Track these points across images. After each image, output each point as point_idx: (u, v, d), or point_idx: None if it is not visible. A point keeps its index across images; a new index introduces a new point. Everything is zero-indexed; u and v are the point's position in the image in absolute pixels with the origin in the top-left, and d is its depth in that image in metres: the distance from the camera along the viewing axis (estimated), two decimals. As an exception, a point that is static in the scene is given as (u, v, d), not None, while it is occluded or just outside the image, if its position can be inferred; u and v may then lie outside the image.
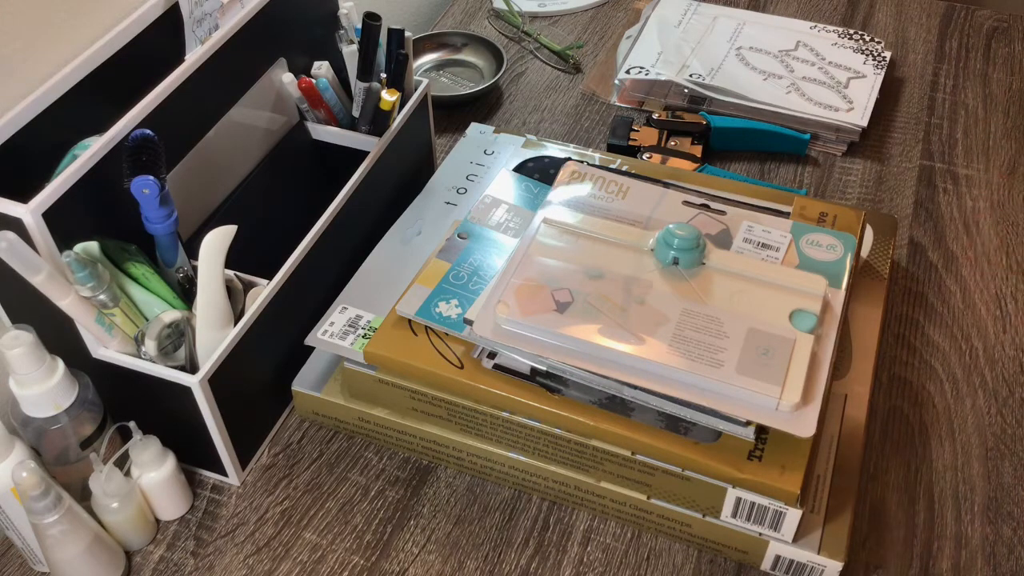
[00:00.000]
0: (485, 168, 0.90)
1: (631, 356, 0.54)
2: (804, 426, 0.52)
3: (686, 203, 0.58)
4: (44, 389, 0.62)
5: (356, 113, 0.87)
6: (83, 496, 0.67)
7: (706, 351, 0.54)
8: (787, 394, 0.52)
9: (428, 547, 0.70)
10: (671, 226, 0.58)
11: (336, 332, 0.73)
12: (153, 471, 0.69)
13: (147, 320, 0.67)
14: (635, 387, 0.60)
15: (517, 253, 0.57)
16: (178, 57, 0.71)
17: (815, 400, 0.53)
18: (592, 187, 0.58)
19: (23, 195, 0.59)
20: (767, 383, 0.52)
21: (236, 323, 0.69)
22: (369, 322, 0.74)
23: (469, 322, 0.68)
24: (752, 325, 0.56)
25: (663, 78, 1.06)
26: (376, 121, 0.85)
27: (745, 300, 0.57)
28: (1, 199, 0.59)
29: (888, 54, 1.09)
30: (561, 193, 0.59)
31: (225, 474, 0.74)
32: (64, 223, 0.61)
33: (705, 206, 0.58)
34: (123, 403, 0.68)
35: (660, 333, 0.55)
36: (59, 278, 0.60)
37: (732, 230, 0.59)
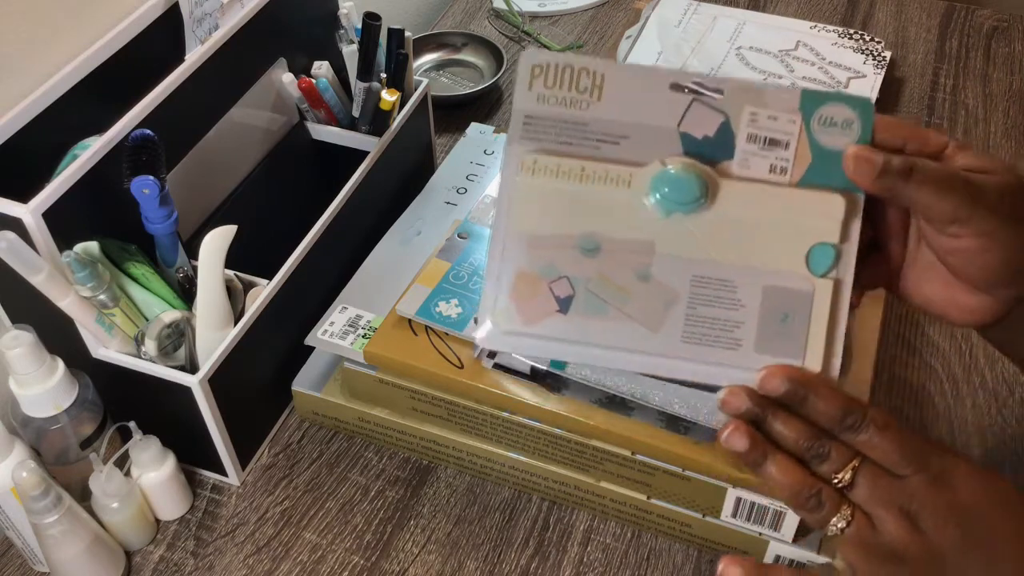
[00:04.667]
0: (485, 168, 0.90)
1: (644, 355, 0.51)
2: None
3: (674, 87, 0.50)
4: (44, 389, 0.62)
5: (356, 113, 0.87)
6: (83, 496, 0.67)
7: (722, 330, 0.50)
8: (808, 366, 0.50)
9: (428, 547, 0.70)
10: (669, 169, 0.50)
11: (336, 332, 0.73)
12: (153, 471, 0.69)
13: (147, 320, 0.67)
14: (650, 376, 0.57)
15: (498, 233, 0.51)
16: (178, 57, 0.71)
17: (835, 361, 0.50)
18: (561, 89, 0.50)
19: (23, 195, 0.59)
20: (787, 357, 0.50)
21: (236, 323, 0.69)
22: (369, 322, 0.74)
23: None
24: (767, 281, 0.51)
25: (663, 78, 1.06)
26: (376, 121, 0.85)
27: (757, 245, 0.51)
28: (1, 199, 0.59)
29: (888, 54, 1.09)
30: (528, 106, 0.50)
31: (225, 474, 0.74)
32: (64, 223, 0.61)
33: (697, 92, 0.50)
34: (123, 403, 0.68)
35: (672, 317, 0.50)
36: (59, 278, 0.60)
37: (733, 121, 0.51)
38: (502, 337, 0.50)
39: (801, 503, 0.45)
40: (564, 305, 0.50)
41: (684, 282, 0.51)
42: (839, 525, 0.44)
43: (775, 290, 0.51)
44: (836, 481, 0.44)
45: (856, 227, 0.50)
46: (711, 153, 0.51)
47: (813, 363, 0.50)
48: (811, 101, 0.51)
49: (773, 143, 0.51)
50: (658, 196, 0.50)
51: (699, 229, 0.51)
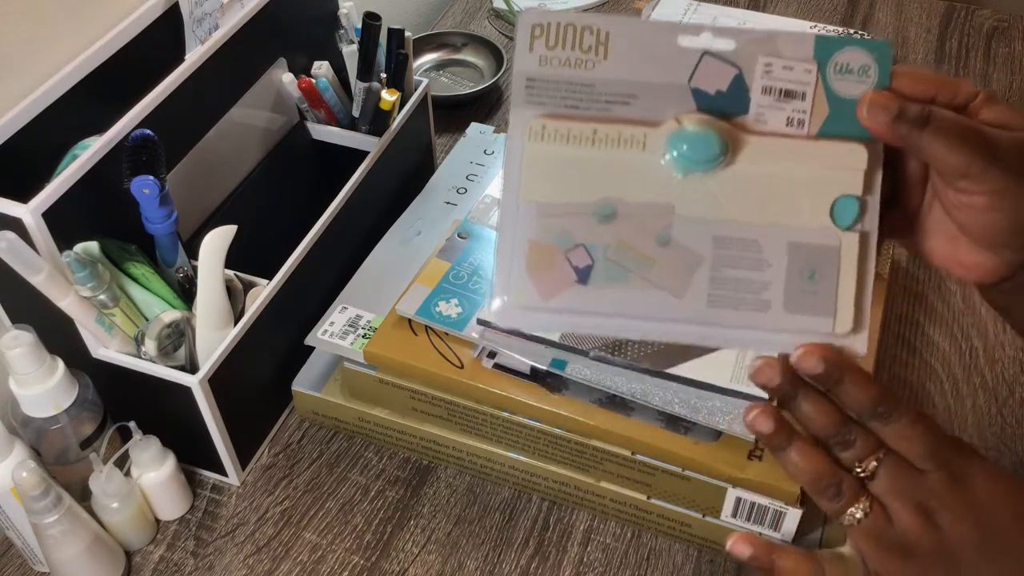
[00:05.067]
0: (485, 168, 0.90)
1: (671, 322, 0.48)
2: (855, 349, 0.49)
3: (684, 40, 0.47)
4: (44, 389, 0.62)
5: (356, 113, 0.87)
6: (83, 496, 0.67)
7: (749, 292, 0.48)
8: (840, 323, 0.48)
9: (428, 547, 0.70)
10: (685, 127, 0.48)
11: (336, 332, 0.73)
12: (153, 471, 0.69)
13: (147, 320, 0.67)
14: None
15: (508, 203, 0.48)
16: (178, 57, 0.71)
17: (866, 318, 0.49)
18: (564, 49, 0.47)
19: (23, 195, 0.59)
20: (818, 316, 0.48)
21: (236, 323, 0.69)
22: (369, 322, 0.74)
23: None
24: (791, 237, 0.49)
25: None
26: (376, 121, 0.85)
27: (780, 201, 0.49)
28: (1, 199, 0.59)
29: (888, 54, 1.09)
30: (529, 68, 0.47)
31: (225, 474, 0.74)
32: (64, 223, 0.61)
33: (707, 52, 0.48)
34: (123, 403, 0.68)
35: (696, 281, 0.48)
36: (59, 278, 0.60)
37: (747, 74, 0.48)
38: (518, 313, 0.48)
39: (821, 491, 0.44)
40: (583, 275, 0.48)
41: (706, 244, 0.49)
42: (857, 516, 0.44)
43: (800, 247, 0.49)
44: (859, 471, 0.44)
45: (879, 177, 0.48)
46: (725, 108, 0.49)
47: (844, 319, 0.49)
48: (826, 48, 0.49)
49: (789, 95, 0.49)
50: (675, 155, 0.48)
51: (719, 188, 0.49)
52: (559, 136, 0.48)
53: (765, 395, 0.51)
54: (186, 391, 0.66)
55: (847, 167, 0.49)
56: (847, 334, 0.49)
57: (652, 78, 0.48)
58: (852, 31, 1.12)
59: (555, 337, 0.66)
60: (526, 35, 0.48)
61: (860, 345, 0.49)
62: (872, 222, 0.49)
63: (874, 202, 0.48)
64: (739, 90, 0.49)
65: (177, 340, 0.68)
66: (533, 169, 0.48)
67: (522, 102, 0.48)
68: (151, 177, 0.63)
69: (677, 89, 0.48)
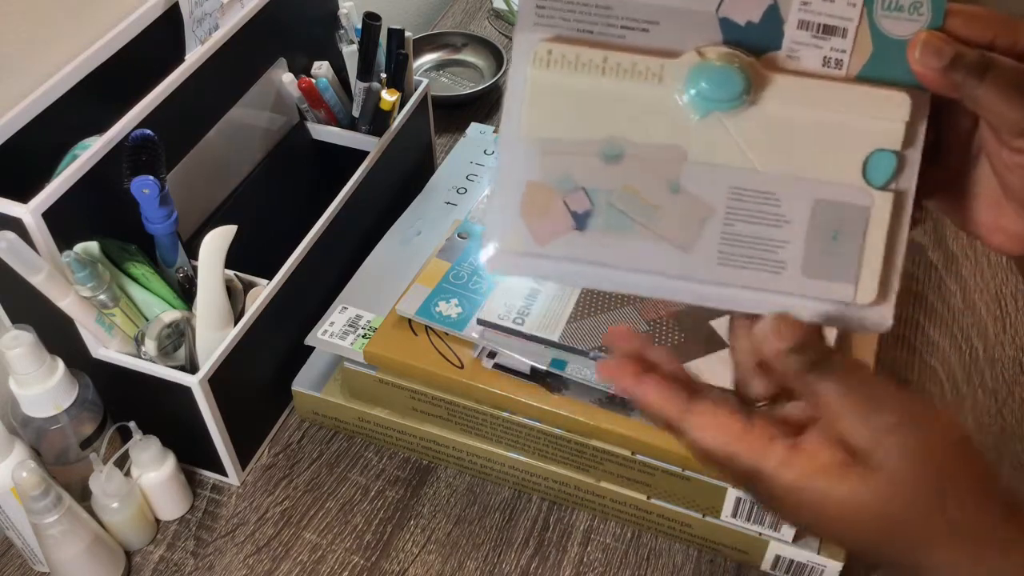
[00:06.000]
0: (485, 168, 0.90)
1: (674, 279, 0.44)
2: (878, 321, 0.44)
3: None
4: (44, 389, 0.62)
5: (356, 113, 0.87)
6: (83, 496, 0.67)
7: (763, 250, 0.44)
8: (862, 292, 0.44)
9: (428, 547, 0.70)
10: (707, 61, 0.43)
11: (336, 332, 0.73)
12: (153, 471, 0.69)
13: (147, 320, 0.67)
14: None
15: (507, 137, 0.44)
16: (178, 57, 0.71)
17: (893, 287, 0.44)
18: None
19: (23, 195, 0.59)
20: (838, 282, 0.44)
21: (236, 323, 0.69)
22: (369, 322, 0.74)
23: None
24: (816, 193, 0.44)
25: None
26: (376, 121, 0.85)
27: (807, 151, 0.44)
28: (1, 199, 0.59)
29: (888, 54, 1.09)
30: None
31: (225, 474, 0.74)
32: (64, 223, 0.61)
33: None
34: (123, 403, 0.68)
35: (707, 235, 0.44)
36: (59, 278, 0.60)
37: (783, 5, 0.43)
38: (510, 259, 0.44)
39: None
40: (581, 221, 0.44)
41: (720, 195, 0.44)
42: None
43: (826, 204, 0.44)
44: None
45: (922, 131, 0.43)
46: (755, 42, 0.44)
47: (867, 287, 0.44)
48: None
49: (828, 30, 0.44)
50: (693, 92, 0.43)
51: (739, 132, 0.44)
52: (566, 63, 0.43)
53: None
54: (186, 391, 0.66)
55: (887, 117, 0.44)
56: (869, 304, 0.44)
57: (676, 2, 0.44)
58: None
59: (555, 337, 0.66)
60: None
61: (884, 317, 0.44)
62: (909, 181, 0.44)
63: (914, 159, 0.43)
64: (773, 22, 0.44)
65: (177, 340, 0.68)
66: (536, 100, 0.44)
67: (530, 24, 0.43)
68: (151, 177, 0.63)
69: (703, 17, 0.43)
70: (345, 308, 0.75)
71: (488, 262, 0.44)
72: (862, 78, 0.43)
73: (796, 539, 0.65)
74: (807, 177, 0.44)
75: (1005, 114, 0.39)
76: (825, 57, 0.44)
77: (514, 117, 0.44)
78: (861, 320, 0.44)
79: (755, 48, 0.43)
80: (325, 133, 0.89)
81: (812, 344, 0.40)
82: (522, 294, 0.69)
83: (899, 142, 0.43)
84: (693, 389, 0.42)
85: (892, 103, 0.43)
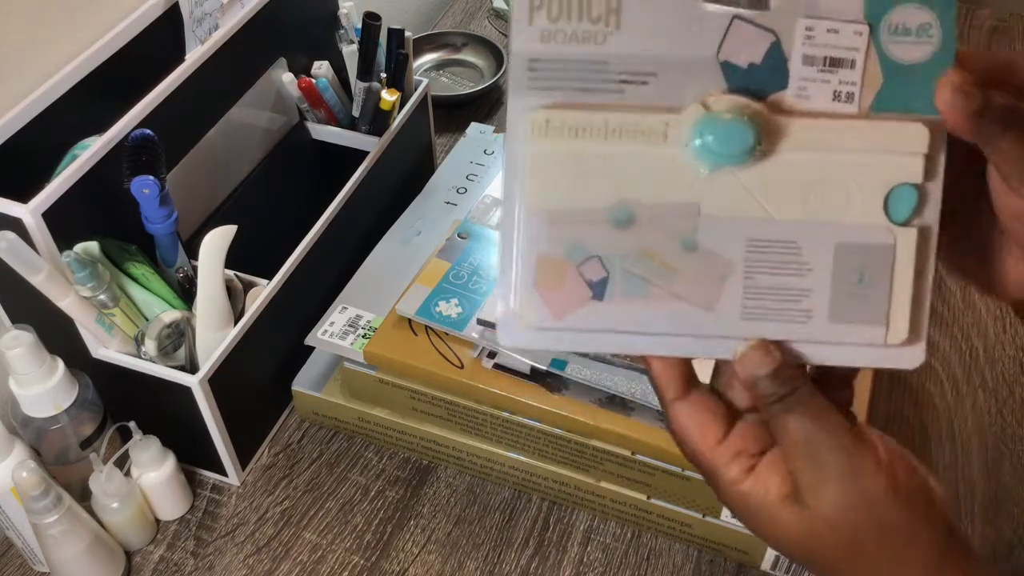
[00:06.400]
0: (485, 168, 0.90)
1: (700, 338, 0.43)
2: (911, 360, 0.44)
3: (709, 2, 0.41)
4: (44, 389, 0.62)
5: (356, 113, 0.87)
6: (83, 496, 0.67)
7: (788, 301, 0.43)
8: (893, 332, 0.43)
9: (428, 547, 0.70)
10: (713, 113, 0.41)
11: (336, 332, 0.73)
12: (153, 471, 0.69)
13: (147, 320, 0.67)
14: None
15: (510, 210, 0.42)
16: (178, 57, 0.71)
17: (923, 325, 0.43)
18: (570, 21, 0.41)
19: (23, 195, 0.59)
20: (867, 324, 0.43)
21: (236, 323, 0.69)
22: (369, 322, 0.74)
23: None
24: (838, 237, 0.42)
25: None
26: (376, 121, 0.85)
27: (824, 194, 0.42)
28: (1, 199, 0.59)
29: (888, 54, 1.09)
30: (531, 46, 0.41)
31: (225, 474, 0.74)
32: (64, 223, 0.61)
33: (738, 15, 0.41)
34: (123, 403, 0.68)
35: (728, 291, 0.42)
36: (59, 278, 0.60)
37: (785, 41, 0.41)
38: (528, 335, 0.43)
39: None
40: (598, 290, 0.43)
41: (738, 248, 0.43)
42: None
43: (849, 247, 0.43)
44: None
45: (942, 161, 0.42)
46: (760, 84, 0.42)
47: (898, 327, 0.43)
48: (878, 4, 0.41)
49: (836, 63, 0.42)
50: (701, 147, 0.42)
51: (752, 182, 0.42)
52: (566, 129, 0.42)
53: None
54: (186, 391, 0.66)
55: (905, 150, 0.42)
56: (901, 344, 0.43)
57: (673, 51, 0.42)
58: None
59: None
60: (525, 6, 0.41)
61: (916, 355, 0.43)
62: (933, 214, 0.42)
63: (936, 191, 0.42)
64: (776, 61, 0.42)
65: (177, 340, 0.68)
66: (538, 171, 0.42)
67: (523, 89, 0.42)
68: (151, 177, 0.63)
69: (703, 63, 0.42)
70: (345, 308, 0.75)
71: (506, 339, 0.43)
72: (876, 110, 0.42)
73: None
74: (826, 221, 0.42)
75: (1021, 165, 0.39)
76: (835, 91, 0.42)
77: (516, 189, 0.42)
78: (893, 360, 0.43)
79: (761, 90, 0.42)
80: (325, 133, 0.89)
81: (785, 374, 0.41)
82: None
83: (920, 175, 0.42)
84: (691, 378, 0.43)
85: (909, 135, 0.42)
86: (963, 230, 0.44)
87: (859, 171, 0.42)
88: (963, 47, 0.42)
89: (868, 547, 0.40)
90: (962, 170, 0.42)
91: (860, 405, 0.69)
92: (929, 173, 0.42)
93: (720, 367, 0.45)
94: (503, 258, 0.43)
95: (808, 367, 0.43)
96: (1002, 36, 1.18)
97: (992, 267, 0.44)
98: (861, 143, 0.42)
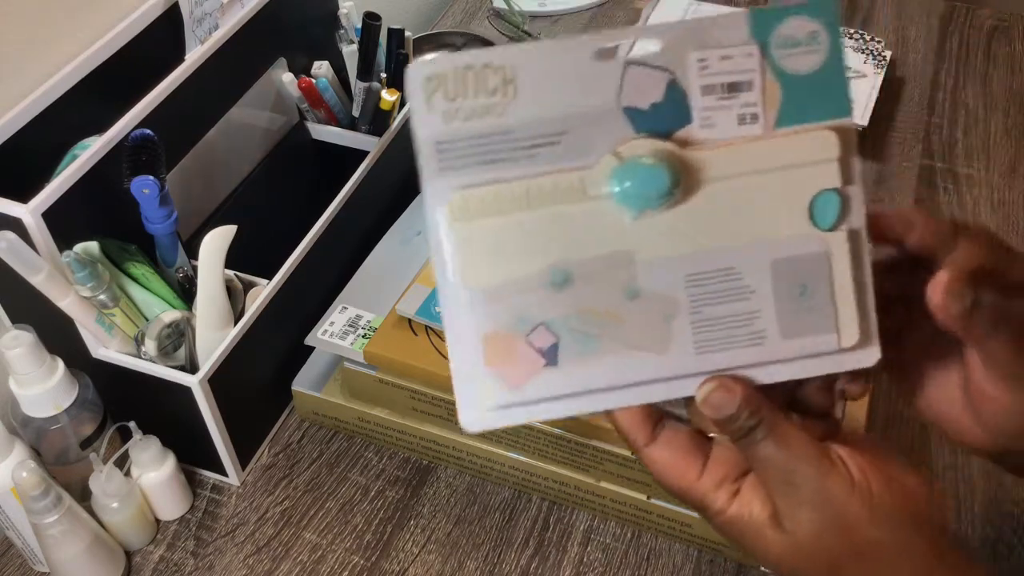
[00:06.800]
0: (485, 168, 0.90)
1: (660, 383, 0.44)
2: (867, 357, 0.44)
3: (600, 54, 0.41)
4: (44, 389, 0.62)
5: (356, 113, 0.87)
6: (83, 496, 0.67)
7: (739, 327, 0.43)
8: (845, 336, 0.44)
9: (428, 547, 0.70)
10: (626, 162, 0.41)
11: (336, 332, 0.73)
12: (153, 471, 0.69)
13: (147, 320, 0.67)
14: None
15: (447, 293, 0.42)
16: (178, 57, 0.71)
17: (873, 324, 0.44)
18: (467, 98, 0.41)
19: (23, 195, 0.59)
20: (819, 334, 0.43)
21: (236, 323, 0.69)
22: (369, 322, 0.74)
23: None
24: (774, 256, 0.43)
25: (663, 78, 1.06)
26: (376, 121, 0.85)
27: (750, 216, 0.43)
28: (1, 199, 0.59)
29: (888, 53, 1.09)
30: (435, 130, 0.41)
31: (225, 474, 0.74)
32: (64, 223, 0.61)
33: (630, 61, 0.41)
34: (123, 403, 0.68)
35: (677, 330, 0.43)
36: (59, 278, 0.60)
37: (681, 76, 0.42)
38: (491, 415, 0.43)
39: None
40: (551, 356, 0.43)
41: (679, 285, 0.43)
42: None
43: (784, 262, 0.43)
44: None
45: (857, 162, 0.43)
46: (666, 123, 0.42)
47: (849, 331, 0.44)
48: (763, 23, 0.42)
49: (734, 88, 0.43)
50: (622, 195, 0.42)
51: (679, 219, 0.43)
52: (485, 206, 0.42)
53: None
54: (186, 391, 0.66)
55: (818, 158, 0.43)
56: (855, 347, 0.44)
57: (575, 107, 0.42)
58: (852, 31, 1.12)
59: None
60: (420, 91, 0.41)
61: (872, 354, 0.44)
62: (859, 216, 0.43)
63: (857, 192, 0.43)
64: (676, 96, 0.42)
65: (177, 340, 0.68)
66: (466, 252, 0.42)
67: (435, 173, 0.42)
68: (151, 177, 0.63)
69: (607, 113, 0.42)
70: (345, 308, 0.75)
71: (468, 424, 0.43)
72: (781, 125, 0.43)
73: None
74: (758, 242, 0.43)
75: (1003, 359, 0.41)
76: (739, 115, 0.43)
77: (448, 273, 0.42)
78: (852, 363, 0.44)
79: (669, 129, 0.42)
80: (325, 133, 0.89)
81: (750, 407, 0.42)
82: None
83: (837, 179, 0.43)
84: (656, 418, 0.44)
85: (819, 143, 0.43)
86: (936, 375, 0.46)
87: (779, 187, 0.43)
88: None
89: (848, 570, 0.41)
90: (893, 297, 0.44)
91: (860, 406, 0.69)
92: (846, 176, 0.43)
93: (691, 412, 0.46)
94: (451, 344, 0.43)
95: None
96: (1002, 36, 1.18)
97: (951, 412, 0.45)
98: (775, 161, 0.43)
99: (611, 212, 0.42)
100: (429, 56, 0.42)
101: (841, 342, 0.44)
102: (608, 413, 0.44)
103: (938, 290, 0.41)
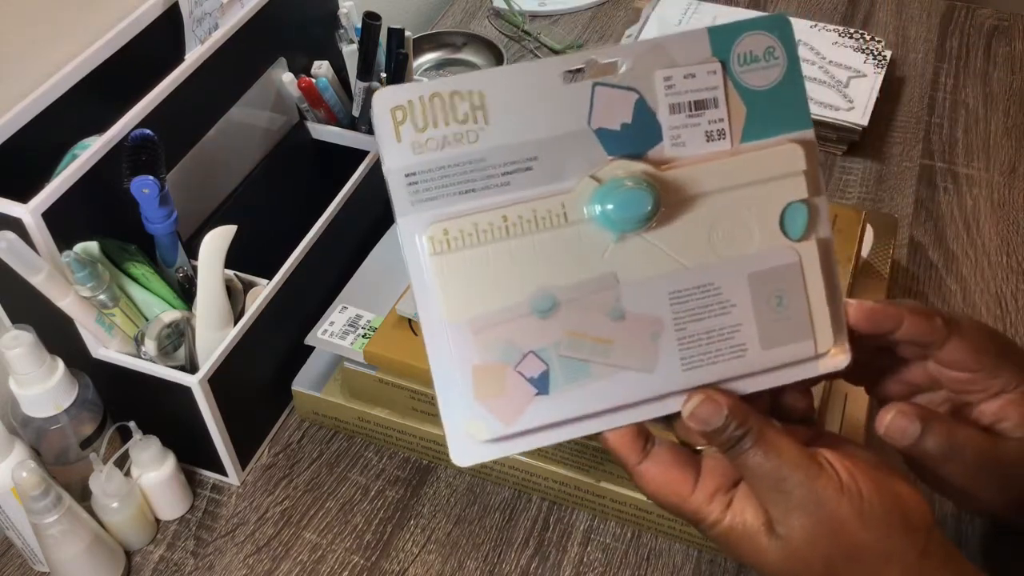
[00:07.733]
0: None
1: (651, 402, 0.44)
2: (839, 362, 0.46)
3: (568, 76, 0.41)
4: (44, 389, 0.62)
5: (356, 113, 0.87)
6: (83, 496, 0.67)
7: (722, 341, 0.44)
8: (821, 342, 0.45)
9: (428, 547, 0.70)
10: (607, 184, 0.42)
11: (336, 332, 0.73)
12: (153, 471, 0.69)
13: (147, 320, 0.67)
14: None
15: (431, 326, 0.41)
16: (178, 57, 0.71)
17: (844, 328, 0.45)
18: (437, 127, 0.40)
19: (23, 195, 0.59)
20: (797, 342, 0.44)
21: (236, 323, 0.69)
22: (369, 322, 0.74)
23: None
24: (750, 269, 0.44)
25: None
26: (376, 121, 0.85)
27: (725, 231, 0.44)
28: (1, 199, 0.59)
29: (888, 53, 1.09)
30: (404, 161, 0.40)
31: (225, 474, 0.74)
32: (64, 223, 0.61)
33: (597, 82, 0.42)
34: (123, 403, 0.68)
35: (663, 348, 0.43)
36: (59, 278, 0.60)
37: (648, 96, 0.42)
38: (484, 449, 0.42)
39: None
40: (541, 384, 0.42)
41: (663, 304, 0.43)
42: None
43: (760, 275, 0.44)
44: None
45: (820, 174, 0.45)
46: (638, 144, 0.43)
47: (824, 336, 0.45)
48: (723, 40, 0.43)
49: (700, 105, 0.43)
50: (603, 218, 0.42)
51: (658, 239, 0.43)
52: (466, 236, 0.41)
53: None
54: (186, 391, 0.66)
55: (786, 171, 0.44)
56: (829, 352, 0.45)
57: (547, 131, 0.42)
58: (852, 30, 1.12)
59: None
60: (387, 122, 0.40)
61: (845, 359, 0.46)
62: (825, 224, 0.45)
63: (823, 203, 0.45)
64: (645, 116, 0.43)
65: (177, 340, 0.68)
66: (449, 284, 0.41)
67: (408, 206, 0.41)
68: (151, 177, 0.63)
69: (579, 135, 0.42)
70: (345, 308, 0.75)
71: (460, 460, 0.42)
72: (747, 139, 0.44)
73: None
74: (735, 256, 0.44)
75: (952, 472, 0.45)
76: (707, 132, 0.44)
77: (432, 306, 0.42)
78: (826, 367, 0.45)
79: (640, 148, 0.43)
80: (325, 133, 0.89)
81: (736, 418, 0.43)
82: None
83: (804, 191, 0.44)
84: (646, 436, 0.45)
85: (785, 157, 0.44)
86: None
87: (750, 202, 0.44)
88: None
89: (841, 572, 0.42)
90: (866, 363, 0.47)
91: (860, 407, 0.69)
92: (812, 187, 0.44)
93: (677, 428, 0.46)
94: (438, 379, 0.42)
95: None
96: (1002, 35, 1.18)
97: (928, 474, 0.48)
98: (746, 176, 0.44)
99: (593, 236, 0.42)
100: (391, 87, 0.42)
101: (817, 348, 0.45)
102: (600, 435, 0.45)
103: (882, 423, 0.45)
